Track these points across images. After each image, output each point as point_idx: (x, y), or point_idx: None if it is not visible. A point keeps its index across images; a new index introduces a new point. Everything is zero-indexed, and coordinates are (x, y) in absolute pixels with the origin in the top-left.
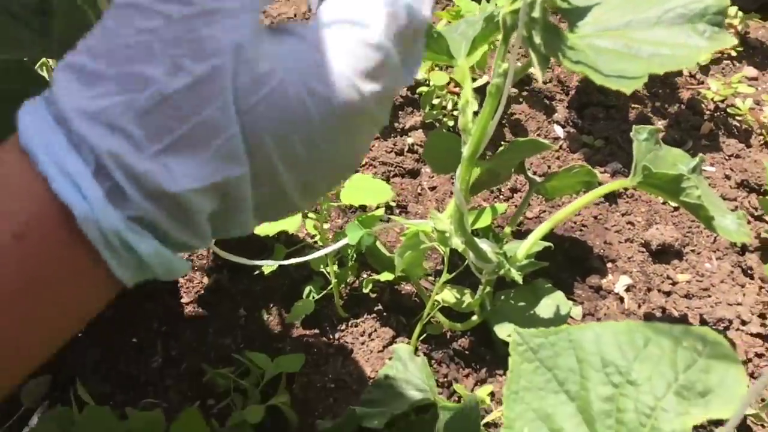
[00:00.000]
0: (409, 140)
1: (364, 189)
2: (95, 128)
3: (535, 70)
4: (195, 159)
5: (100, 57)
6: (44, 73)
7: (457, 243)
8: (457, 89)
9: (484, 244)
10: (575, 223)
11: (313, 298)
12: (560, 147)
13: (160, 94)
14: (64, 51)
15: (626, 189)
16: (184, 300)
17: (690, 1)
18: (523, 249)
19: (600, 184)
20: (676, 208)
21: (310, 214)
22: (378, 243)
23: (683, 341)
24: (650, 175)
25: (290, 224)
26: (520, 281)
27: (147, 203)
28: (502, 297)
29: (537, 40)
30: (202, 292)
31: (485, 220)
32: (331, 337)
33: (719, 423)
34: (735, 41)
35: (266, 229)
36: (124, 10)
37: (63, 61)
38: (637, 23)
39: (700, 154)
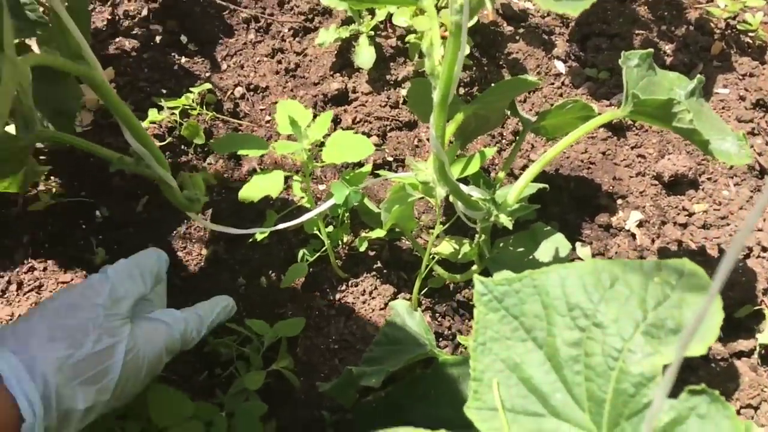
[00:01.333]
0: (403, 92)
1: (344, 146)
2: (53, 376)
3: (487, 2)
4: (90, 390)
5: (56, 328)
6: None
7: (442, 192)
8: (447, 33)
9: (475, 191)
10: (582, 161)
11: (307, 261)
12: (563, 83)
13: (88, 353)
14: None
15: (635, 121)
16: (183, 273)
17: None
18: (513, 193)
19: None
20: None
21: (296, 177)
22: (368, 200)
23: (654, 276)
24: (639, 103)
25: (272, 188)
26: (510, 226)
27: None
28: (501, 244)
29: None
30: (201, 263)
31: (474, 167)
32: (332, 298)
33: (742, 354)
34: None
35: (250, 194)
36: (66, 304)
37: (19, 327)
38: None
39: (699, 76)
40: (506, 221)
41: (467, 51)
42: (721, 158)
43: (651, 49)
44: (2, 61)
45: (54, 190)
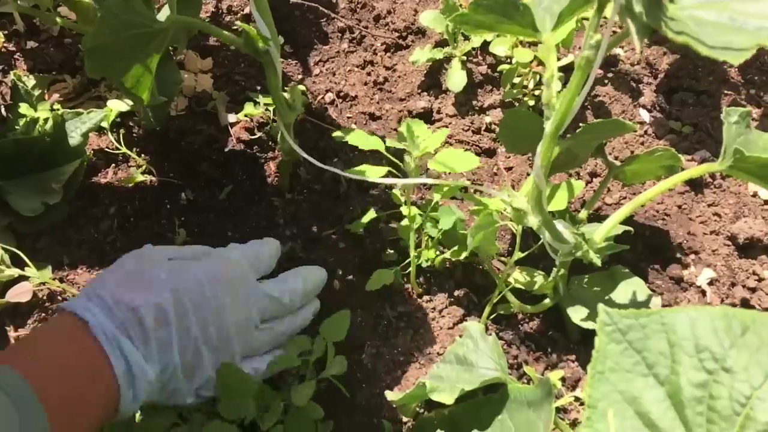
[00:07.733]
0: (487, 119)
1: (452, 157)
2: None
3: (634, 41)
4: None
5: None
6: None
7: (534, 222)
8: (540, 68)
9: (560, 225)
10: (657, 211)
11: (395, 270)
12: (645, 132)
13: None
14: None
15: (713, 179)
16: None
17: None
18: (601, 231)
19: (684, 170)
20: (767, 201)
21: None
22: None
23: None
24: (742, 159)
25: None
26: (599, 263)
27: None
28: (576, 282)
29: (638, 8)
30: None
31: (561, 200)
32: (402, 310)
33: None
34: None
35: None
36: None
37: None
38: None
39: None
40: (595, 258)
41: (558, 87)
42: None
43: (750, 108)
44: None
45: (144, 167)
